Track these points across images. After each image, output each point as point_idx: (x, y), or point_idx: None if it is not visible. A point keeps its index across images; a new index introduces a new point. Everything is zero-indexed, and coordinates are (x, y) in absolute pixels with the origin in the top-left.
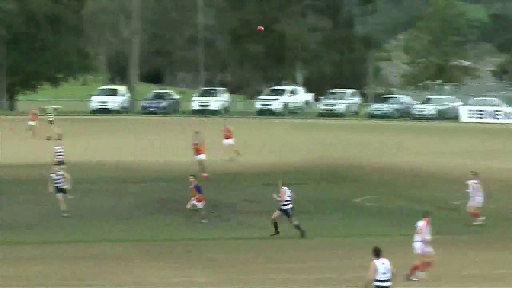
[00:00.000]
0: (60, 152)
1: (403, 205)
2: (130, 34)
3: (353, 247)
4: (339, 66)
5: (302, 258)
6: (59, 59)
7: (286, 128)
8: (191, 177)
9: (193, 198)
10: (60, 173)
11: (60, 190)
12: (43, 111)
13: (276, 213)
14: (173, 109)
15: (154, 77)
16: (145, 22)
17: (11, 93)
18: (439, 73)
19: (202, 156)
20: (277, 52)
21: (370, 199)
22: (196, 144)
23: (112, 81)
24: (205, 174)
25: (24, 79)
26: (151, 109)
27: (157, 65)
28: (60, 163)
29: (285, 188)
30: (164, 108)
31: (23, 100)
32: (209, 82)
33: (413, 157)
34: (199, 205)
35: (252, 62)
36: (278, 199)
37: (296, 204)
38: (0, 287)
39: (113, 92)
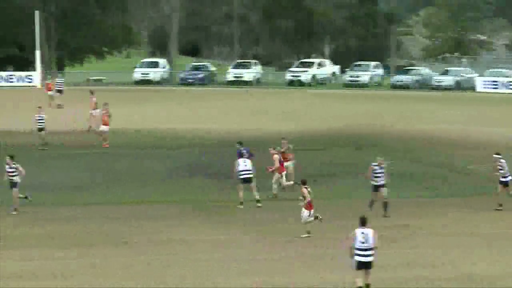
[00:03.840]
0: (41, 118)
1: (421, 169)
2: (170, 10)
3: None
4: (364, 40)
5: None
6: (105, 34)
7: (314, 98)
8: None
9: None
10: (14, 166)
11: (13, 184)
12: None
13: None
14: (209, 80)
15: (192, 50)
16: None
17: (60, 66)
18: (456, 46)
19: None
20: (305, 27)
21: (391, 164)
22: None
23: (153, 54)
24: None
25: (71, 53)
26: (189, 80)
27: (195, 39)
28: (41, 129)
29: (240, 160)
30: (201, 79)
31: (70, 72)
32: (242, 55)
33: (432, 125)
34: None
35: (283, 37)
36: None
37: (321, 169)
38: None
39: (154, 65)
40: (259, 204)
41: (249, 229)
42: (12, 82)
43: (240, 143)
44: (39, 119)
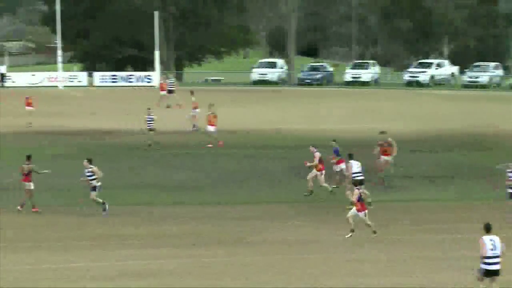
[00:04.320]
0: (150, 119)
1: None
2: (289, 11)
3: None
4: (483, 40)
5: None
6: (223, 34)
7: (432, 99)
8: (333, 142)
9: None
10: (90, 169)
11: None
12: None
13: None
14: (327, 81)
15: (309, 51)
16: None
17: (179, 66)
18: None
19: None
20: (424, 28)
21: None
22: None
23: (271, 54)
24: None
25: (190, 53)
26: (307, 81)
27: (313, 39)
28: (151, 129)
29: (352, 162)
30: (318, 79)
31: (189, 72)
32: (360, 56)
33: None
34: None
35: (401, 37)
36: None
37: (440, 170)
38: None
39: (272, 65)
40: (370, 206)
41: (364, 230)
42: (131, 82)
43: (335, 141)
44: (148, 120)
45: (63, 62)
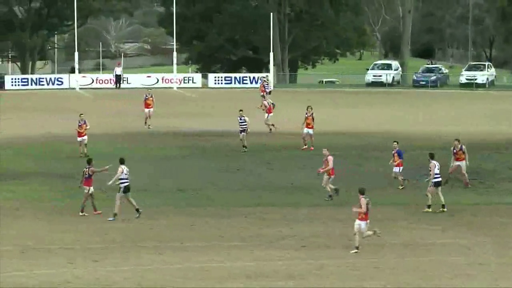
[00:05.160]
0: (243, 121)
1: None
2: (404, 12)
3: None
4: None
5: None
6: (338, 36)
7: None
8: (394, 143)
9: (394, 164)
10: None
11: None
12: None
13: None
14: (442, 83)
15: (424, 52)
16: (419, 0)
17: (293, 68)
18: None
19: None
20: None
21: None
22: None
23: (385, 56)
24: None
25: (305, 55)
26: (422, 82)
27: (428, 41)
28: (242, 131)
29: (434, 162)
30: (433, 81)
31: (302, 74)
32: (476, 58)
33: None
34: (397, 169)
35: None
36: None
37: None
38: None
39: (387, 67)
40: (444, 209)
41: (476, 232)
42: (245, 83)
43: (396, 142)
44: (240, 122)
45: (178, 64)
